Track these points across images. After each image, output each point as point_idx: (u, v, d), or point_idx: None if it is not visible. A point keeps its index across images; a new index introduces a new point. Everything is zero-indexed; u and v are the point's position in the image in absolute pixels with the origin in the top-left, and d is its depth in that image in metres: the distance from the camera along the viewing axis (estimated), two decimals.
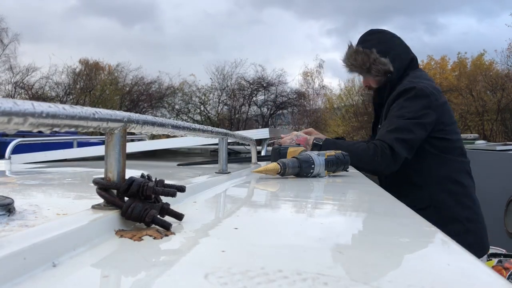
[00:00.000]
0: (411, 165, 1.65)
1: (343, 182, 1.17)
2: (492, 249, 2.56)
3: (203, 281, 0.30)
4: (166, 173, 1.44)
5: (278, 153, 1.34)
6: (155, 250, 0.38)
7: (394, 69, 1.74)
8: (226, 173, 1.00)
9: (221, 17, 41.68)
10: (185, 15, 43.47)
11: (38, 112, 0.31)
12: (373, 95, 1.93)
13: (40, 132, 3.78)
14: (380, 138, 1.59)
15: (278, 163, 1.14)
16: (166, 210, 0.48)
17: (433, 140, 1.64)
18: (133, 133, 2.51)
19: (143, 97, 21.20)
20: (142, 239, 0.41)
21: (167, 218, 0.47)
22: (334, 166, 1.26)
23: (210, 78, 21.87)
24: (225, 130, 0.97)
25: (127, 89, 21.51)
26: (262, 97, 21.85)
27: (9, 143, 2.08)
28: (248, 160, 1.63)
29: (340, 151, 1.31)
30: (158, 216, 0.45)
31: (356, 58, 1.78)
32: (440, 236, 0.48)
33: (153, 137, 3.12)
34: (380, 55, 1.74)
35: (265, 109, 22.00)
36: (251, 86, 21.63)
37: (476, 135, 7.31)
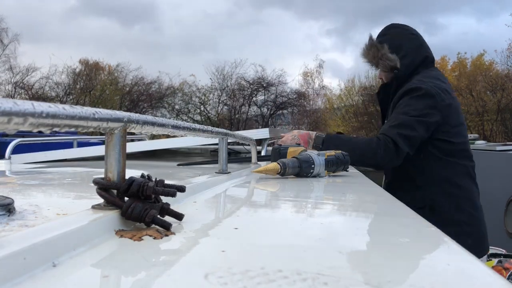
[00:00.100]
0: (414, 166, 1.66)
1: (343, 182, 1.17)
2: (492, 249, 2.56)
3: (203, 281, 0.30)
4: (166, 173, 1.44)
5: (278, 153, 1.34)
6: (155, 250, 0.38)
7: (402, 66, 1.75)
8: (226, 173, 1.00)
9: (221, 17, 41.73)
10: (185, 15, 43.54)
11: (38, 112, 0.31)
12: (377, 90, 1.94)
13: (40, 132, 3.78)
14: (383, 132, 1.60)
15: (278, 163, 1.14)
16: (166, 210, 0.48)
17: (437, 141, 1.63)
18: (133, 133, 2.51)
19: (143, 97, 21.21)
20: (142, 239, 0.41)
21: (167, 218, 0.47)
22: (334, 166, 1.26)
23: (210, 78, 21.91)
24: (225, 130, 0.97)
25: (127, 89, 21.52)
26: (262, 97, 21.88)
27: (9, 143, 2.08)
28: (248, 160, 1.63)
29: (340, 151, 1.31)
30: (158, 216, 0.45)
31: (369, 52, 1.82)
32: (440, 236, 0.48)
33: (153, 137, 3.12)
34: (390, 51, 1.76)
35: (265, 109, 22.02)
36: (251, 86, 21.64)
37: (476, 135, 7.31)
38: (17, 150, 2.06)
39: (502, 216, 3.14)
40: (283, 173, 1.14)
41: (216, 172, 1.01)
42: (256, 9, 44.97)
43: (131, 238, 0.41)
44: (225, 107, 22.30)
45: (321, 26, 44.67)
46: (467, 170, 1.68)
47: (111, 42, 35.57)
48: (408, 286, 0.30)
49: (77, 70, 21.12)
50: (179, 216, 0.49)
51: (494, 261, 2.43)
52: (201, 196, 0.74)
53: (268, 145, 2.13)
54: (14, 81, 20.30)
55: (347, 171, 1.36)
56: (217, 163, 1.04)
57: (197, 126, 0.72)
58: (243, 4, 44.68)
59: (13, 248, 0.29)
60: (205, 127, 0.79)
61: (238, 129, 17.91)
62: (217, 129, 0.88)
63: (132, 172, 0.53)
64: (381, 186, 1.53)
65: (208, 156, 2.66)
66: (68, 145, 3.23)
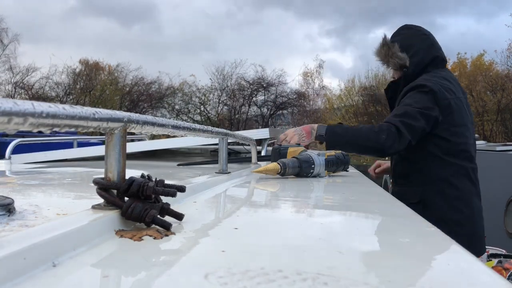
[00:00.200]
0: (413, 162, 1.70)
1: (343, 182, 1.17)
2: (492, 250, 2.56)
3: (203, 281, 0.30)
4: (166, 173, 1.44)
5: (278, 153, 1.34)
6: (155, 250, 0.38)
7: (411, 64, 1.79)
8: (226, 173, 1.00)
9: (221, 18, 41.76)
10: (184, 16, 43.55)
11: (38, 112, 0.31)
12: (386, 86, 1.99)
13: (40, 132, 3.78)
14: (387, 120, 1.65)
15: (278, 163, 1.14)
16: (166, 210, 0.48)
17: (437, 139, 1.65)
18: (133, 133, 2.51)
19: (143, 97, 21.21)
20: (142, 239, 0.41)
21: (167, 218, 0.47)
22: (334, 166, 1.26)
23: (210, 79, 21.93)
24: (225, 130, 0.97)
25: (127, 89, 21.53)
26: (262, 98, 21.90)
27: (9, 143, 2.08)
28: (248, 160, 1.63)
29: (340, 151, 1.31)
30: (158, 216, 0.45)
31: (381, 50, 1.87)
32: (440, 236, 0.48)
33: (153, 137, 3.12)
34: (401, 50, 1.80)
35: (265, 110, 22.03)
36: (251, 86, 21.65)
37: (476, 135, 7.31)
38: (17, 150, 2.07)
39: (502, 216, 3.13)
40: (283, 173, 1.14)
41: (216, 172, 1.01)
42: (256, 9, 45.03)
43: (131, 238, 0.41)
44: (225, 107, 22.33)
45: (321, 26, 44.73)
46: (466, 171, 1.68)
47: (111, 42, 35.65)
48: (408, 286, 0.30)
49: (77, 70, 21.17)
50: (179, 216, 0.49)
51: (494, 261, 2.43)
52: (201, 196, 0.73)
53: (268, 145, 2.13)
54: (14, 81, 20.34)
55: (347, 171, 1.36)
56: (217, 163, 1.04)
57: (197, 126, 0.72)
58: (242, 4, 44.71)
59: (13, 248, 0.29)
60: (205, 127, 0.79)
61: (238, 129, 17.90)
62: (217, 129, 0.88)
63: (132, 172, 0.53)
64: (381, 186, 1.53)
65: (208, 156, 2.66)
66: (68, 145, 3.24)
